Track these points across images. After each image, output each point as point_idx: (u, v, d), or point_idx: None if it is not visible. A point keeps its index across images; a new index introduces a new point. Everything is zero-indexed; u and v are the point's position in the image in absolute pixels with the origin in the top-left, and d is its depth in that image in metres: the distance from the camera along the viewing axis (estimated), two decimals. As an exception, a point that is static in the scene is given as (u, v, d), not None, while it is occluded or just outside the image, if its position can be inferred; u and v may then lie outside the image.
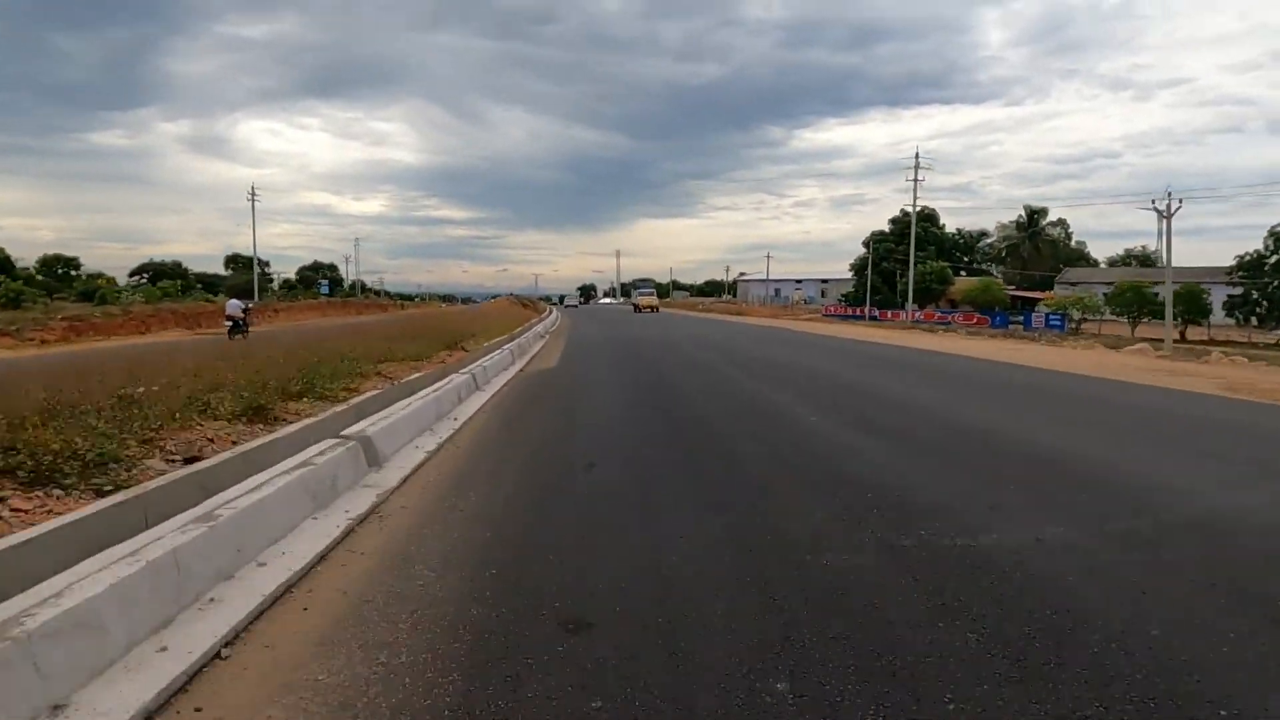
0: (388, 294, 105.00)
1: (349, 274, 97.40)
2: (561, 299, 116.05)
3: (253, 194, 60.49)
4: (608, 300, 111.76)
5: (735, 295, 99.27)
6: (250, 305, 26.15)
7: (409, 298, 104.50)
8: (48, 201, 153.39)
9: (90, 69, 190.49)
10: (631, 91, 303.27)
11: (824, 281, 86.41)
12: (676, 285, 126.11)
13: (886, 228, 65.70)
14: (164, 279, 61.97)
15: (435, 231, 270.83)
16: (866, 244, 65.33)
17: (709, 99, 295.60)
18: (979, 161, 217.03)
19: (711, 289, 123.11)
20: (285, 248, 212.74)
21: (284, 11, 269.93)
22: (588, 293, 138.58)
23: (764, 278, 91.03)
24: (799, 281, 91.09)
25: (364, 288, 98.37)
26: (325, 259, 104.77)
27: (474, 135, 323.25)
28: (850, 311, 61.43)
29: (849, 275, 70.62)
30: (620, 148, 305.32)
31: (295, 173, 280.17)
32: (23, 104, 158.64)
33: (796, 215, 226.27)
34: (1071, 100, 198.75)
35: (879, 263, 62.82)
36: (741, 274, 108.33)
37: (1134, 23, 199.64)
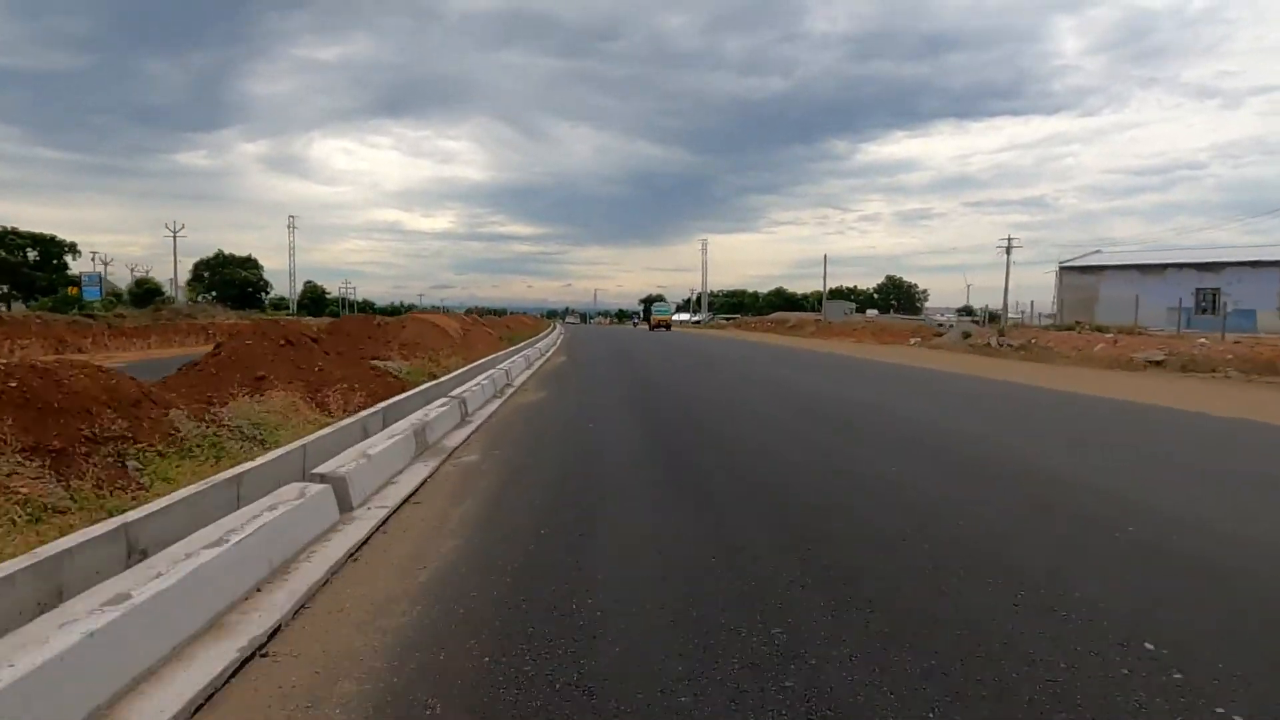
0: (371, 308, 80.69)
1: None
2: (585, 317, 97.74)
3: None
4: (682, 316, 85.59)
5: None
6: None
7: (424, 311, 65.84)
8: (137, 219, 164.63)
9: (175, 91, 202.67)
10: (694, 106, 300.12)
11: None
12: (835, 292, 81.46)
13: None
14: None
15: (501, 247, 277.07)
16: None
17: (772, 113, 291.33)
18: (1053, 174, 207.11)
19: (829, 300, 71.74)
20: (357, 264, 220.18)
21: (355, 33, 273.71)
22: (650, 305, 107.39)
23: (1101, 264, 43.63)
24: (1206, 268, 38.34)
25: (327, 301, 75.69)
26: (394, 275, 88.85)
27: (539, 152, 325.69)
28: None
29: None
30: (683, 162, 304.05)
31: (367, 190, 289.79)
32: (115, 126, 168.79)
33: (861, 230, 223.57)
34: (1152, 109, 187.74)
35: None
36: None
37: (1220, 28, 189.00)
